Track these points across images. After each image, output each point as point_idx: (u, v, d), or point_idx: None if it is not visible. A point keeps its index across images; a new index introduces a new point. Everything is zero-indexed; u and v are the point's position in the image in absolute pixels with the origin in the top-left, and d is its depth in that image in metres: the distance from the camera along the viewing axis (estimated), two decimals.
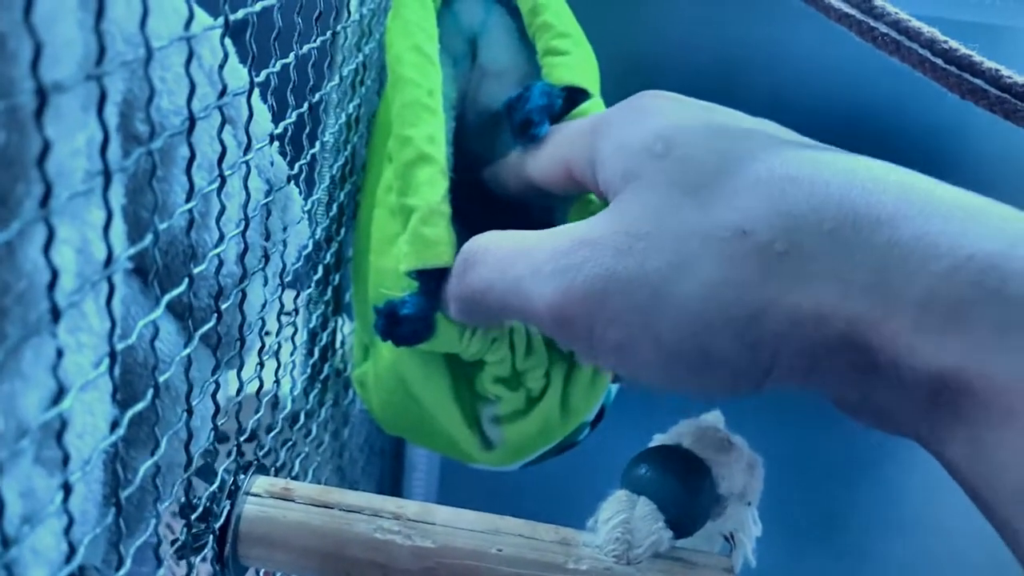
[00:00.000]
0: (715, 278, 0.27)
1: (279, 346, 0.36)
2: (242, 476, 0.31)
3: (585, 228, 0.30)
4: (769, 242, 0.27)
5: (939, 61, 0.31)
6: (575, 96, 0.38)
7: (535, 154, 0.37)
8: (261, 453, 0.34)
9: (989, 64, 0.30)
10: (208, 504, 0.30)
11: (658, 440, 0.33)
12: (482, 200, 0.44)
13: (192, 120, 0.23)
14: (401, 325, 0.35)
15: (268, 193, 0.33)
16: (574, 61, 0.39)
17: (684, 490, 0.31)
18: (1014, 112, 0.30)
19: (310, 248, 0.39)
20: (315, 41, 0.33)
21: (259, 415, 0.34)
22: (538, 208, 0.40)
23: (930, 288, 0.25)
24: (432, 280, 0.35)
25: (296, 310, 0.38)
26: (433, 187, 0.36)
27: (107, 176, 0.19)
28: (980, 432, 0.24)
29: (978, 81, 0.30)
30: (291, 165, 0.34)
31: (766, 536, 0.34)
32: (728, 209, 0.27)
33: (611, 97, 0.41)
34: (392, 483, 0.69)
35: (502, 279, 0.31)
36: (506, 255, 0.32)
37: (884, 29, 0.31)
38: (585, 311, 0.29)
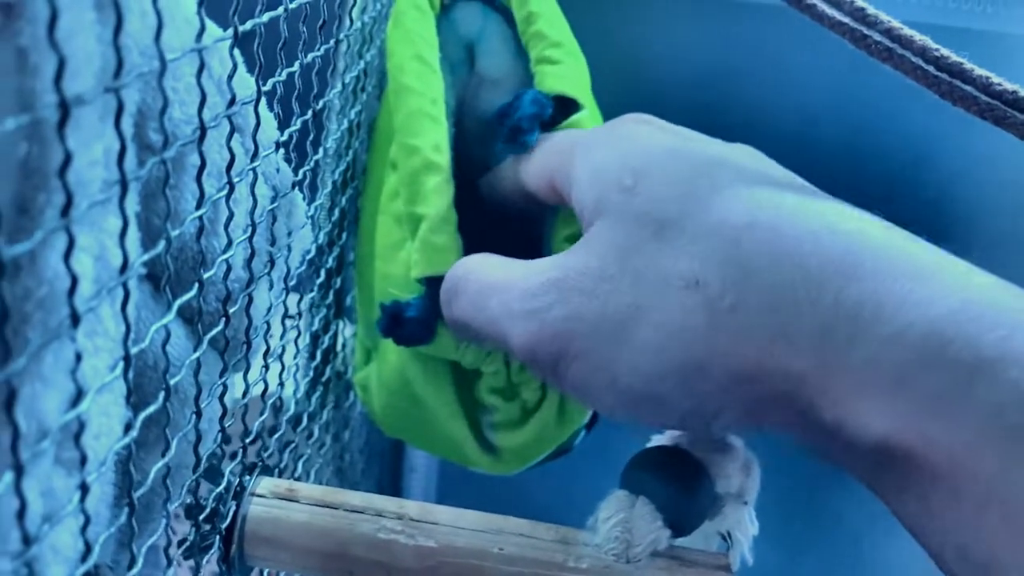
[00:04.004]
0: (666, 327, 0.28)
1: (283, 349, 0.36)
2: (247, 477, 0.32)
3: (555, 266, 0.31)
4: (719, 295, 0.27)
5: (931, 68, 0.31)
6: (567, 106, 0.39)
7: (528, 161, 0.37)
8: (265, 455, 0.35)
9: (980, 71, 0.31)
10: (214, 505, 0.30)
11: (656, 441, 0.34)
12: (479, 205, 0.44)
13: (203, 129, 0.23)
14: (404, 327, 0.36)
15: (274, 199, 0.33)
16: (566, 71, 0.40)
17: (682, 490, 0.31)
18: (1004, 118, 0.30)
19: (313, 252, 0.40)
20: (319, 49, 0.33)
21: (264, 417, 0.34)
22: (530, 215, 0.41)
23: (872, 353, 0.25)
24: (439, 287, 0.36)
25: (299, 313, 0.39)
26: (440, 195, 0.37)
27: (124, 185, 0.19)
28: (926, 493, 0.24)
29: (969, 88, 0.31)
30: (295, 171, 0.34)
31: (763, 535, 0.34)
32: (685, 255, 0.28)
33: (604, 107, 0.41)
34: (392, 484, 0.69)
35: (480, 314, 0.33)
36: (482, 289, 0.33)
37: (877, 37, 0.32)
38: (552, 350, 0.30)
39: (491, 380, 0.38)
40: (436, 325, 0.36)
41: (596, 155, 0.32)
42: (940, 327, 0.24)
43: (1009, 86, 0.30)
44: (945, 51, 0.31)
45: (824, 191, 0.33)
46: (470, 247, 0.37)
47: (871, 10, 0.32)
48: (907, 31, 0.31)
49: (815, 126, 0.53)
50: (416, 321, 0.36)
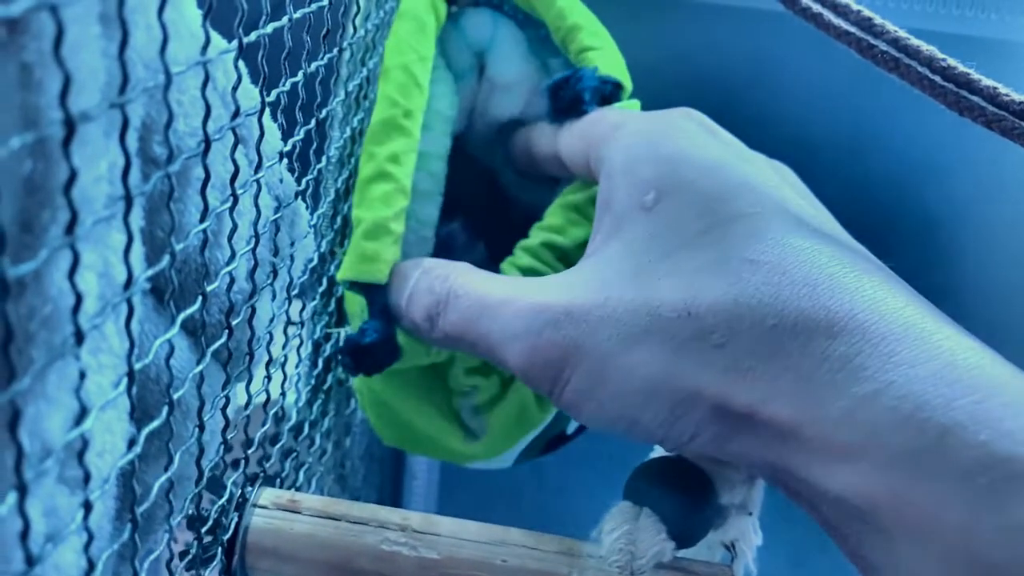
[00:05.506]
0: (654, 356, 0.28)
1: (285, 358, 0.36)
2: (250, 488, 0.31)
3: (553, 287, 0.31)
4: (710, 329, 0.27)
5: (937, 78, 0.31)
6: (614, 90, 0.39)
7: (568, 129, 0.38)
8: (267, 464, 0.35)
9: (987, 82, 0.31)
10: (216, 516, 0.30)
11: (660, 451, 0.34)
12: (486, 208, 0.44)
13: (208, 142, 0.23)
14: (368, 355, 0.36)
15: (277, 210, 0.33)
16: (609, 56, 0.40)
17: (686, 501, 0.31)
18: (1011, 129, 0.30)
19: (315, 261, 0.39)
20: (323, 58, 0.33)
21: (266, 427, 0.34)
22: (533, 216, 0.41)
23: (849, 409, 0.25)
24: (379, 298, 0.36)
25: (301, 322, 0.39)
26: (386, 204, 0.36)
27: (128, 201, 0.19)
28: (892, 543, 0.25)
29: (976, 99, 0.31)
30: (298, 181, 0.34)
31: (767, 545, 0.34)
32: (684, 286, 0.28)
33: None
34: (392, 491, 0.69)
35: (473, 329, 0.33)
36: (474, 305, 0.33)
37: (884, 47, 0.32)
38: (546, 373, 0.31)
39: (466, 361, 0.38)
40: (397, 342, 0.36)
41: (634, 147, 0.33)
42: (918, 388, 0.25)
43: (1017, 96, 0.30)
44: (952, 61, 0.31)
45: (828, 199, 0.33)
46: (473, 233, 0.37)
47: (878, 20, 0.32)
48: (914, 41, 0.31)
49: (820, 134, 0.53)
50: (377, 344, 0.36)
